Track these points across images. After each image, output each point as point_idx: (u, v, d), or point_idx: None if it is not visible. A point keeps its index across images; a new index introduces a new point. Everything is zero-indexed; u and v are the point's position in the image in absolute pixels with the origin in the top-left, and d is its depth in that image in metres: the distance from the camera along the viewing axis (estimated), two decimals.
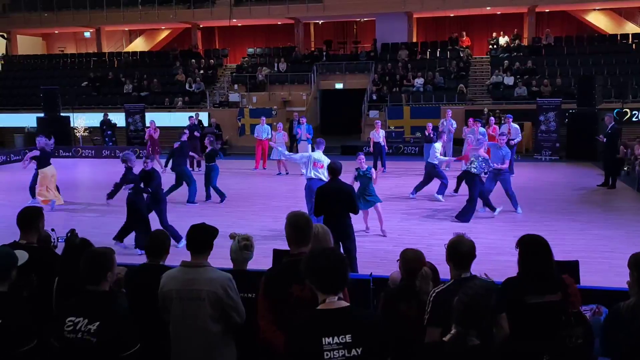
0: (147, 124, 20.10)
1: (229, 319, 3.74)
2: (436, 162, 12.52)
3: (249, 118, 22.75)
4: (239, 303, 3.75)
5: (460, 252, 3.65)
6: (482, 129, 15.84)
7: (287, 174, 17.26)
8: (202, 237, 3.86)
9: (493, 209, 11.40)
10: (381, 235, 10.11)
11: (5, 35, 31.98)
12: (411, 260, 3.95)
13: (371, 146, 17.62)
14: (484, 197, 11.38)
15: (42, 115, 23.78)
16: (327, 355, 2.78)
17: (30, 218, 4.40)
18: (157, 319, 3.86)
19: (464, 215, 10.98)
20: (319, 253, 3.05)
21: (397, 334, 3.60)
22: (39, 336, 3.42)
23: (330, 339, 2.79)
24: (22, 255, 3.82)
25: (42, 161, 12.70)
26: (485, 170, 11.10)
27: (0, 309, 3.32)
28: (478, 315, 2.97)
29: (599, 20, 27.76)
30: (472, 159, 11.23)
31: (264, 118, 18.83)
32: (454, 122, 17.17)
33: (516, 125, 16.67)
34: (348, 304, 2.94)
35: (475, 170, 10.94)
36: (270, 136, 18.37)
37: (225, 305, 3.69)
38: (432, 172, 12.81)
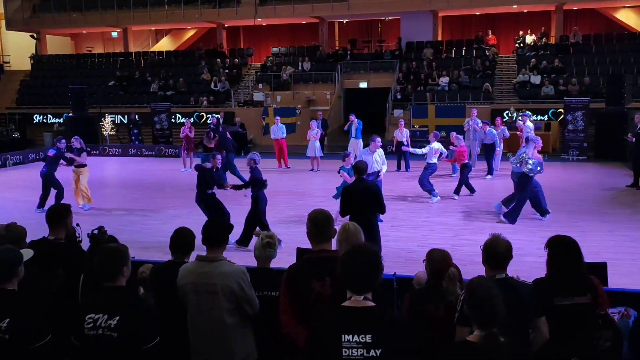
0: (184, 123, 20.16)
1: (244, 311, 3.80)
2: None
3: (274, 117, 22.85)
4: (252, 296, 3.81)
5: (497, 252, 3.60)
6: (490, 129, 15.95)
7: (317, 170, 17.32)
8: (217, 232, 3.92)
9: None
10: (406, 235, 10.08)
11: (35, 35, 32.57)
12: (438, 261, 3.92)
13: (394, 145, 17.57)
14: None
15: (70, 114, 24.20)
16: (345, 352, 2.79)
17: (58, 215, 4.48)
18: (183, 315, 3.90)
19: (512, 215, 10.69)
20: (358, 251, 3.02)
21: (424, 334, 3.58)
22: (55, 331, 3.43)
23: (350, 336, 2.80)
24: (27, 253, 3.84)
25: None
26: (537, 172, 10.50)
27: (8, 308, 3.32)
28: (489, 315, 2.90)
29: (628, 17, 27.22)
30: (526, 159, 10.50)
31: (278, 118, 19.00)
32: (479, 122, 17.02)
33: (530, 124, 16.59)
34: (373, 305, 2.92)
35: (528, 171, 10.38)
36: (285, 135, 18.44)
37: (239, 298, 3.75)
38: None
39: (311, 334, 2.97)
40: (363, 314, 2.86)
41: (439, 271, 3.83)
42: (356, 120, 17.75)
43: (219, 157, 9.96)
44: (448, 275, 3.73)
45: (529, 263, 7.27)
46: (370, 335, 2.79)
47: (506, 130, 16.88)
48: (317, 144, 17.74)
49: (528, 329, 3.53)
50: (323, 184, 15.45)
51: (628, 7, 26.76)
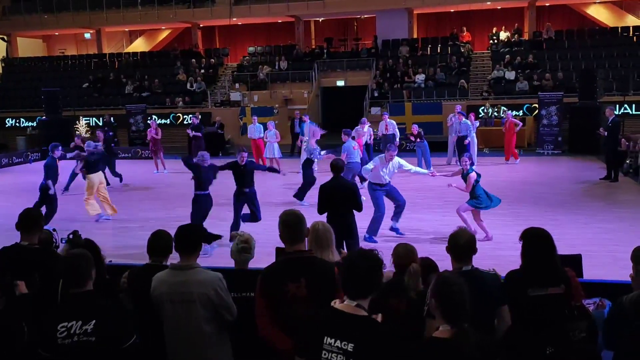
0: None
1: (222, 318, 3.75)
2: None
3: (251, 117, 22.81)
4: (230, 302, 3.76)
5: (459, 244, 3.67)
6: (465, 121, 16.28)
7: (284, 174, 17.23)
8: (190, 238, 3.82)
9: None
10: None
11: (5, 37, 31.97)
12: (401, 256, 3.95)
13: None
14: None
15: (44, 117, 23.83)
16: (325, 354, 2.74)
17: (31, 220, 4.39)
18: (161, 320, 3.86)
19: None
20: (361, 255, 2.98)
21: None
22: (30, 336, 3.36)
23: (332, 340, 2.73)
24: None
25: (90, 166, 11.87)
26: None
27: None
28: (459, 310, 2.88)
29: (599, 13, 27.67)
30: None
31: (256, 117, 18.91)
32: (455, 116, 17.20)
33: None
34: (365, 314, 2.82)
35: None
36: (262, 135, 18.34)
37: (217, 306, 3.70)
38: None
39: (300, 330, 2.93)
40: (350, 321, 2.77)
41: (402, 266, 3.86)
42: (309, 122, 17.68)
43: (244, 153, 9.65)
44: (409, 271, 3.75)
45: (506, 257, 7.35)
46: (352, 345, 2.70)
47: (476, 125, 17.23)
48: (276, 145, 17.54)
49: (494, 318, 3.60)
50: (283, 185, 15.35)
51: (599, 2, 27.19)
